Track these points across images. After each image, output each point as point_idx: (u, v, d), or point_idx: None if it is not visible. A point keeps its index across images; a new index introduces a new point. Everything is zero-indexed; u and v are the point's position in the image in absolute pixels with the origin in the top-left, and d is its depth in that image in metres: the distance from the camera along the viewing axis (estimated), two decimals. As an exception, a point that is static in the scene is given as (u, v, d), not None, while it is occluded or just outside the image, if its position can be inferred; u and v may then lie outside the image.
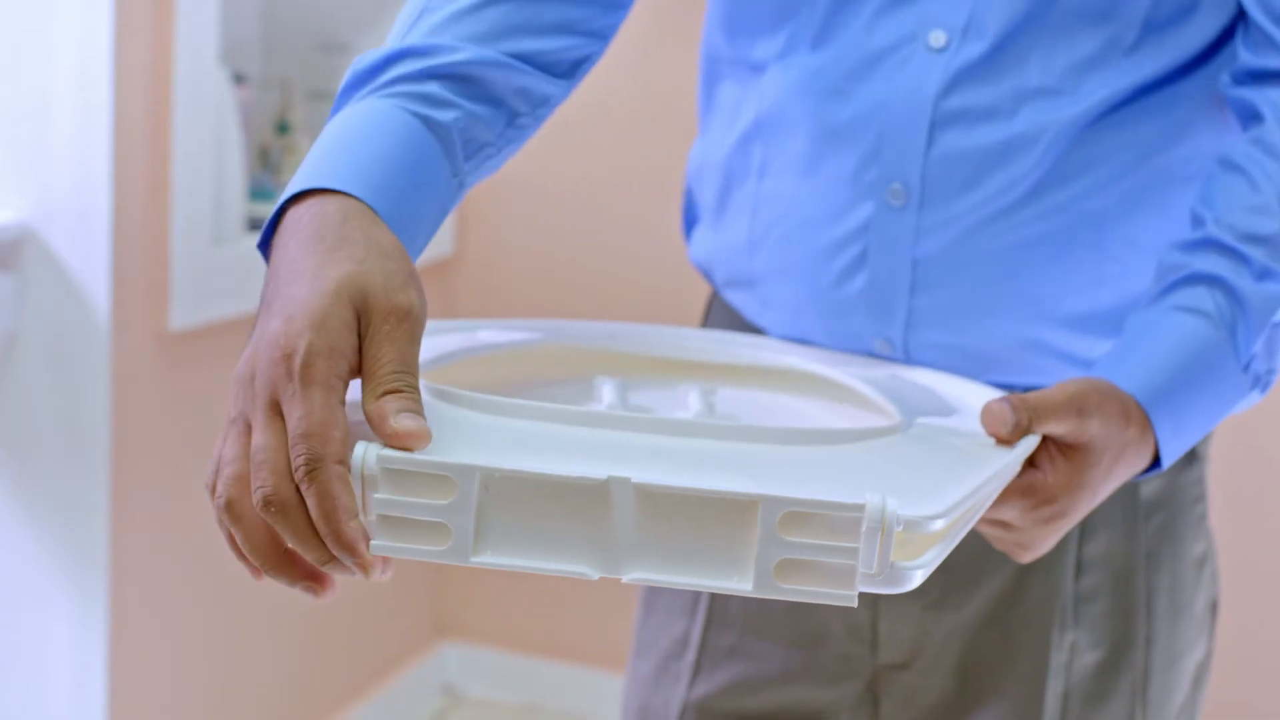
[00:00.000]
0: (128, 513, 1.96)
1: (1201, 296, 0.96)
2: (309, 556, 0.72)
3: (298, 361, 0.71)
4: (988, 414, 0.86)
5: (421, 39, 0.93)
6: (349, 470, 0.70)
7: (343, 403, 0.72)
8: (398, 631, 2.75)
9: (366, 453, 0.69)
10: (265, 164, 2.33)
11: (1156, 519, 1.10)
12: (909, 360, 1.07)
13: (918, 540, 0.70)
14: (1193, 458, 1.12)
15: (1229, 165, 1.00)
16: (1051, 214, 1.03)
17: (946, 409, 0.95)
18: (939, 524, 0.69)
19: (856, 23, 1.04)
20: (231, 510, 0.73)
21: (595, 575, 0.69)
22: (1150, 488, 1.10)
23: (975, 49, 1.01)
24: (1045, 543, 0.91)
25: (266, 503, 0.70)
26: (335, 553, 0.70)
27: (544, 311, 2.59)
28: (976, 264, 1.04)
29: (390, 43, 0.93)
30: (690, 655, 1.17)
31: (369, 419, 0.72)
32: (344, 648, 2.57)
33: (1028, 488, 0.88)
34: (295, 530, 0.71)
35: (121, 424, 1.93)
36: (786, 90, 1.07)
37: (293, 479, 0.70)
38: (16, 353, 1.90)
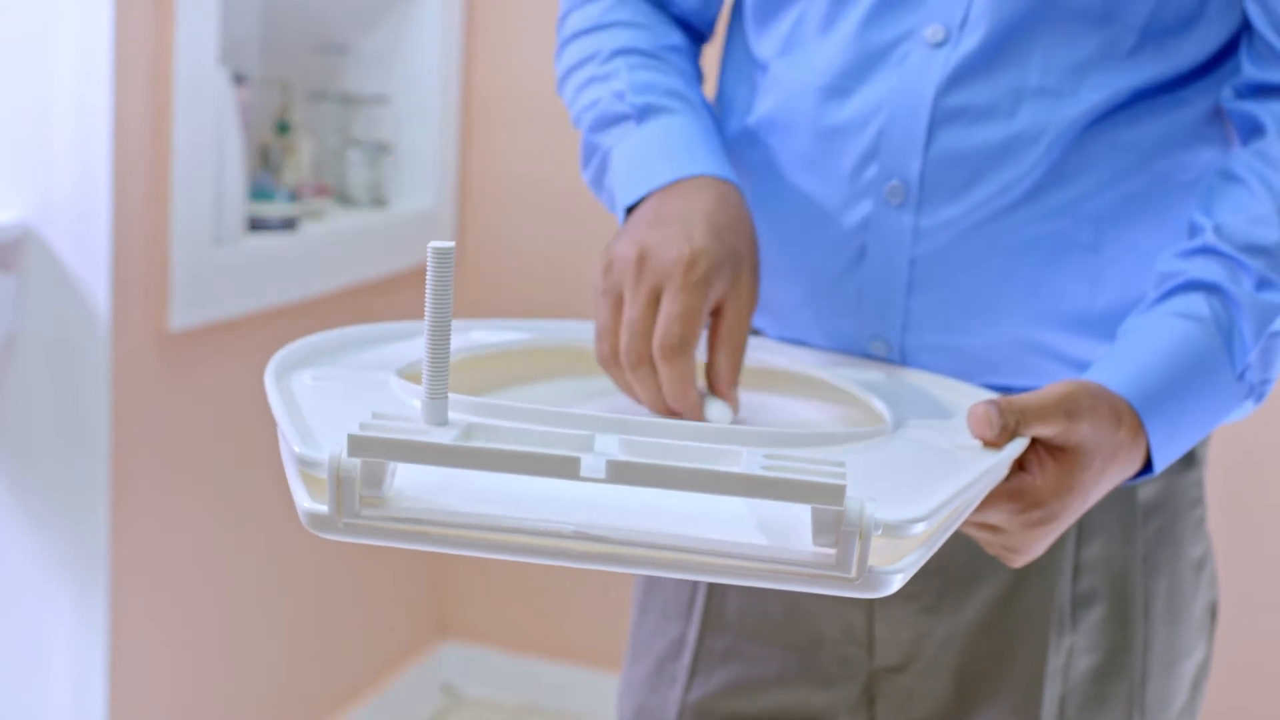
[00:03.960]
0: (128, 513, 1.96)
1: (1198, 303, 0.95)
2: (647, 397, 0.95)
3: (699, 270, 0.93)
4: (973, 417, 0.85)
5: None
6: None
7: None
8: (398, 631, 2.75)
9: (341, 455, 0.65)
10: (265, 164, 2.33)
11: (1154, 522, 1.09)
12: (905, 362, 1.07)
13: (899, 544, 0.69)
14: (1191, 461, 1.11)
15: (1229, 176, 0.99)
16: (1050, 216, 1.02)
17: (939, 411, 0.95)
18: (920, 528, 0.68)
19: (855, 18, 1.04)
20: (633, 362, 0.94)
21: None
22: (1148, 491, 1.09)
23: (972, 43, 1.01)
24: (1035, 547, 0.91)
25: (633, 364, 0.94)
26: (677, 408, 0.94)
27: (543, 310, 2.59)
28: (974, 264, 1.03)
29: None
30: (686, 657, 1.17)
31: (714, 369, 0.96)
32: (344, 648, 2.57)
33: (1016, 491, 0.87)
34: (645, 385, 0.95)
35: (121, 424, 1.93)
36: (788, 87, 1.08)
37: (649, 346, 0.93)
38: (16, 353, 1.90)
